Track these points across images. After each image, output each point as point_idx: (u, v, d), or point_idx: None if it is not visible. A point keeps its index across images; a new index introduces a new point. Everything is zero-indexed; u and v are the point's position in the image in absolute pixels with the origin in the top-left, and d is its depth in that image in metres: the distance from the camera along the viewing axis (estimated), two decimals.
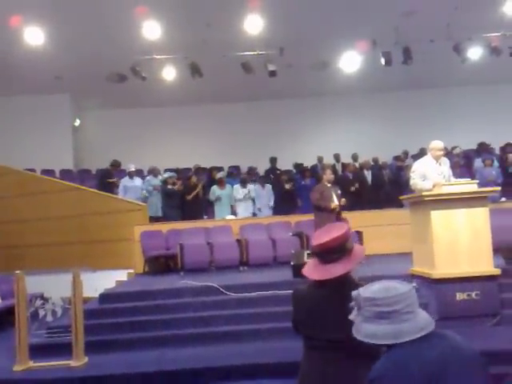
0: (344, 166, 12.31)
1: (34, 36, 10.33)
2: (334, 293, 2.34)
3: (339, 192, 7.68)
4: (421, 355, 1.71)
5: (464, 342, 1.78)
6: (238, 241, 8.69)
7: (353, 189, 10.78)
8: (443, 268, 5.40)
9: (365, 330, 1.80)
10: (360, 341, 1.84)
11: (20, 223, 10.17)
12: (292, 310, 2.51)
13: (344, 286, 2.35)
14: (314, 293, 2.41)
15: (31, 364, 5.24)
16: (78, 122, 14.86)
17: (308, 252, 6.84)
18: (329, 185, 7.71)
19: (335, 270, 2.32)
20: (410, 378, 1.66)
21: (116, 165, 11.61)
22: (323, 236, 2.40)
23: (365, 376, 1.77)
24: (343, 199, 7.58)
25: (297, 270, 6.67)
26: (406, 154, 13.04)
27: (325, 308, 2.34)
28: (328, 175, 7.81)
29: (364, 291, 1.82)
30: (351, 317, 1.87)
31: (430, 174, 6.10)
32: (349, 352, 2.21)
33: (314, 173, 11.85)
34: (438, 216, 5.61)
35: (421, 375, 1.66)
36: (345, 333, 2.23)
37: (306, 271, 2.45)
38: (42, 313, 7.13)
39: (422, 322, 1.75)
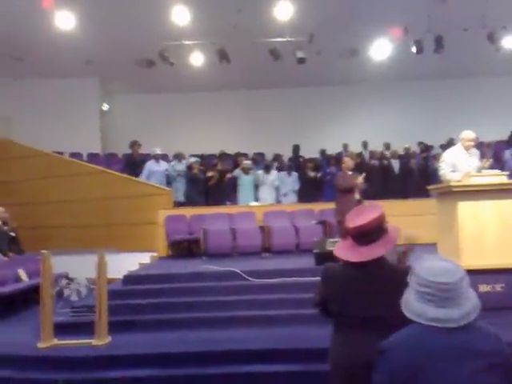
0: (371, 153, 12.16)
1: (65, 20, 10.40)
2: (372, 274, 2.36)
3: (362, 177, 7.60)
4: (425, 343, 1.73)
5: (490, 340, 1.76)
6: (261, 227, 8.70)
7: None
8: (469, 259, 5.29)
9: (404, 298, 1.84)
10: (395, 320, 1.88)
11: (47, 205, 10.35)
12: (320, 288, 2.50)
13: (381, 267, 2.39)
14: (351, 273, 2.41)
15: (55, 341, 5.32)
16: (106, 107, 15.00)
17: (331, 240, 6.79)
18: (350, 172, 7.66)
19: (376, 251, 2.35)
20: (404, 360, 1.72)
21: (135, 145, 11.42)
22: (359, 218, 2.41)
23: None
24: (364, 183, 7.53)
25: (319, 257, 6.65)
26: (421, 143, 12.79)
27: (362, 288, 2.35)
28: (347, 163, 7.76)
29: (423, 270, 1.80)
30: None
31: (459, 164, 5.98)
32: (383, 330, 2.21)
33: (338, 160, 11.75)
34: (465, 207, 5.50)
35: (412, 362, 1.71)
36: (381, 312, 2.25)
37: (340, 253, 2.46)
38: (66, 292, 7.30)
39: (457, 313, 1.73)
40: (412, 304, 1.80)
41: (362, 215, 2.41)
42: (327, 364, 2.48)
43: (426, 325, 1.74)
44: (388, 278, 2.35)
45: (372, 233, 2.36)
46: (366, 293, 2.33)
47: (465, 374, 1.68)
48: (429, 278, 1.76)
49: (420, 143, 12.83)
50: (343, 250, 2.45)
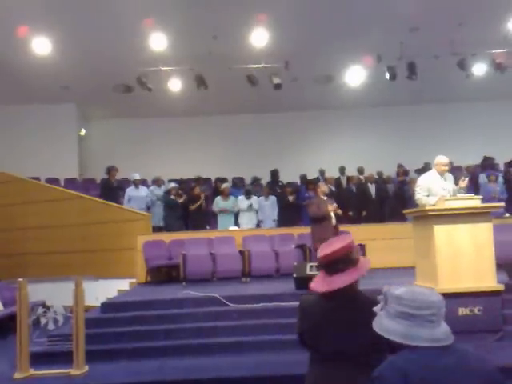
0: (348, 179, 12.32)
1: (42, 46, 10.43)
2: (343, 305, 2.34)
3: (335, 205, 7.72)
4: (424, 365, 1.72)
5: (479, 359, 1.77)
6: (241, 252, 8.69)
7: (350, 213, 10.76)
8: (446, 283, 5.37)
9: (383, 325, 1.83)
10: (368, 352, 1.86)
11: (23, 231, 10.20)
12: (298, 320, 2.50)
13: (352, 298, 2.38)
14: (323, 304, 2.40)
15: (32, 372, 5.23)
16: (83, 132, 14.95)
17: (311, 264, 6.84)
18: (324, 197, 7.76)
19: (341, 281, 2.33)
20: None
21: (112, 170, 11.23)
22: (328, 248, 2.41)
23: None
24: (339, 210, 7.65)
25: (299, 282, 6.68)
26: (401, 167, 13.04)
27: (333, 320, 2.33)
28: (322, 187, 7.90)
29: (394, 289, 1.84)
30: (376, 309, 1.89)
31: (434, 188, 6.11)
32: (356, 363, 2.23)
33: (316, 185, 11.87)
34: (441, 231, 5.59)
35: None
36: (353, 345, 2.25)
37: (313, 285, 2.44)
38: (43, 321, 7.13)
39: (440, 333, 1.75)
40: (381, 320, 1.82)
41: (331, 245, 2.41)
42: None
43: (417, 348, 1.74)
44: (360, 310, 2.30)
45: (337, 262, 2.35)
46: (337, 326, 2.31)
47: None
48: (424, 299, 1.78)
49: (400, 166, 13.04)
50: (316, 281, 2.44)
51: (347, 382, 2.23)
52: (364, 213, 10.80)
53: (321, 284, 2.39)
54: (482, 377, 1.73)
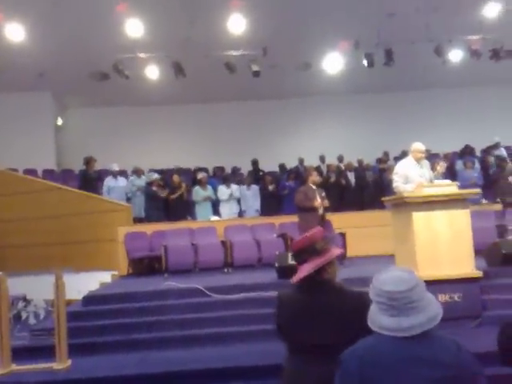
0: (328, 167, 12.38)
1: (15, 32, 10.20)
2: (317, 298, 2.39)
3: (323, 194, 7.76)
4: (379, 352, 1.77)
5: (447, 351, 1.77)
6: (223, 242, 8.69)
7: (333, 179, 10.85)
8: (425, 270, 5.44)
9: (373, 318, 1.85)
10: (344, 343, 1.94)
11: (1, 223, 10.04)
12: (274, 315, 2.55)
13: (327, 290, 2.42)
14: (297, 297, 2.46)
15: (13, 367, 5.18)
16: (60, 121, 14.72)
17: (292, 254, 6.87)
18: (314, 187, 7.78)
19: (304, 270, 2.41)
20: (356, 371, 1.76)
21: (89, 162, 11.05)
22: (297, 239, 2.53)
23: None
24: (326, 201, 7.67)
25: (281, 271, 6.71)
26: (386, 154, 13.15)
27: (307, 312, 2.38)
28: (314, 177, 7.90)
29: (377, 280, 1.86)
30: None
31: (411, 175, 6.17)
32: (332, 356, 2.25)
33: (297, 174, 11.92)
34: (419, 218, 5.65)
35: (363, 372, 1.75)
36: (328, 337, 2.29)
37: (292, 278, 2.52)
38: (24, 315, 7.12)
39: (407, 323, 1.75)
40: (373, 315, 1.84)
41: (301, 236, 2.52)
42: None
43: (383, 335, 1.78)
44: (336, 303, 2.37)
45: (302, 253, 2.44)
46: (311, 319, 2.35)
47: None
48: (380, 287, 1.81)
49: (385, 153, 13.11)
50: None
51: (322, 374, 2.26)
52: (342, 203, 10.85)
53: (294, 276, 2.48)
54: (444, 369, 1.72)
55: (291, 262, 6.62)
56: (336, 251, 2.48)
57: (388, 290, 1.78)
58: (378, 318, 1.79)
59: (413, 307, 1.76)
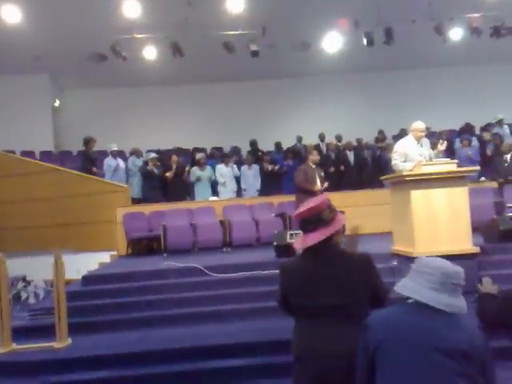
0: (327, 145, 12.34)
1: (11, 14, 10.12)
2: (323, 262, 2.43)
3: (322, 174, 7.74)
4: (399, 318, 1.90)
5: (466, 330, 1.88)
6: (221, 222, 8.71)
7: (332, 169, 10.87)
8: (423, 247, 5.46)
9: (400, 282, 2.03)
10: (353, 305, 2.16)
11: (0, 205, 10.05)
12: (279, 285, 2.56)
13: (332, 256, 2.46)
14: (302, 264, 2.49)
15: (14, 346, 5.22)
16: (57, 103, 14.65)
17: (291, 232, 6.89)
18: (313, 166, 7.75)
19: (311, 239, 2.43)
20: (373, 336, 1.92)
21: (89, 142, 10.84)
22: (301, 208, 2.52)
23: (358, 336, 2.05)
24: (326, 183, 7.66)
25: (280, 250, 6.73)
26: (382, 133, 13.06)
27: (314, 276, 2.41)
28: (314, 156, 7.86)
29: (429, 258, 2.04)
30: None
31: (411, 154, 6.16)
32: (341, 317, 2.32)
33: (295, 152, 11.88)
34: (417, 196, 5.67)
35: (381, 337, 1.89)
36: (335, 299, 2.32)
37: (295, 244, 2.59)
38: (24, 295, 7.16)
39: (446, 300, 1.89)
40: (408, 284, 1.98)
41: (306, 205, 2.52)
42: (292, 355, 2.53)
43: (407, 306, 1.92)
44: (341, 265, 2.41)
45: (308, 222, 2.46)
46: (320, 282, 2.39)
47: (422, 353, 1.80)
48: (437, 264, 1.97)
49: (380, 132, 13.04)
50: (296, 241, 2.57)
51: (334, 334, 2.32)
52: (341, 182, 10.83)
53: (298, 242, 2.52)
54: (449, 344, 1.81)
55: (289, 240, 6.64)
56: (342, 220, 2.51)
57: (445, 267, 1.94)
58: (420, 288, 1.91)
59: (457, 290, 1.93)
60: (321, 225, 2.43)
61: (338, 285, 2.36)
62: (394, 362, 1.82)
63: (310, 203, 2.50)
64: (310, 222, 2.45)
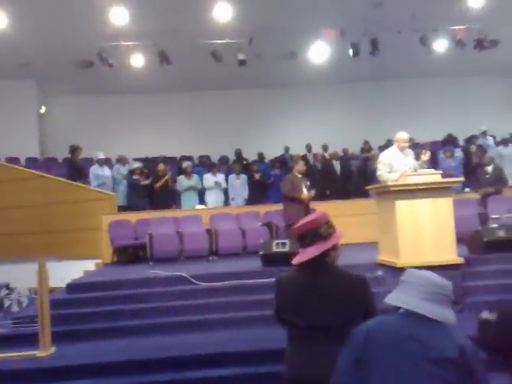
0: (314, 156, 12.41)
1: None
2: (318, 279, 2.42)
3: (308, 183, 7.79)
4: (386, 329, 1.91)
5: (453, 338, 1.89)
6: (208, 230, 8.69)
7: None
8: (407, 257, 5.51)
9: (399, 297, 2.01)
10: (346, 324, 2.12)
11: None
12: (274, 297, 2.56)
13: (327, 273, 2.45)
14: (299, 279, 2.49)
15: None
16: (43, 109, 14.56)
17: (277, 242, 6.90)
18: (299, 176, 7.80)
19: (307, 253, 2.43)
20: (361, 344, 1.91)
21: (75, 150, 10.83)
22: (301, 222, 2.53)
23: None
24: (312, 191, 7.71)
25: (266, 259, 6.74)
26: (367, 143, 13.14)
27: (308, 294, 2.40)
28: (300, 166, 7.92)
29: (421, 271, 2.04)
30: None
31: (396, 165, 6.22)
32: (332, 337, 2.31)
33: (283, 162, 11.93)
34: (402, 206, 5.72)
35: (367, 346, 1.89)
36: (328, 319, 2.33)
37: (293, 259, 2.56)
38: (7, 303, 7.06)
39: (424, 305, 1.91)
40: (398, 295, 1.98)
41: (304, 219, 2.53)
42: (279, 365, 2.54)
43: (394, 315, 1.93)
44: (337, 284, 2.41)
45: (305, 236, 2.46)
46: (312, 301, 2.38)
47: (413, 362, 1.82)
48: (429, 276, 1.98)
49: (365, 142, 13.11)
50: (296, 256, 2.55)
51: (324, 353, 2.31)
52: (328, 192, 10.89)
53: (296, 257, 2.51)
54: (437, 352, 1.83)
55: (276, 249, 6.66)
56: (340, 236, 2.51)
57: (435, 279, 1.97)
58: (411, 299, 1.93)
59: (447, 301, 1.95)
60: (318, 239, 2.43)
61: (330, 304, 2.35)
62: (385, 371, 1.84)
63: (308, 218, 2.51)
64: (307, 237, 2.46)
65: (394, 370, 1.83)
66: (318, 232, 2.44)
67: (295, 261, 2.49)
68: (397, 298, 1.97)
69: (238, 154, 12.89)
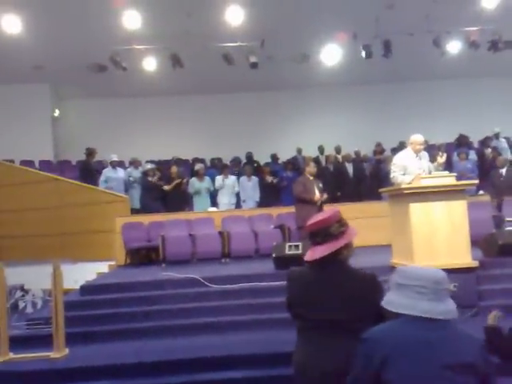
0: (327, 158, 12.37)
1: (12, 24, 10.19)
2: (329, 276, 2.43)
3: (321, 185, 7.77)
4: (400, 334, 1.85)
5: (467, 342, 1.87)
6: (220, 233, 8.70)
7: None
8: (422, 260, 5.45)
9: (386, 297, 1.98)
10: (354, 321, 2.12)
11: None
12: (286, 290, 2.56)
13: (339, 270, 2.46)
14: (309, 275, 2.50)
15: (11, 356, 5.19)
16: (57, 113, 14.70)
17: (290, 244, 6.88)
18: (311, 178, 7.78)
19: (319, 252, 2.42)
20: (379, 350, 1.83)
21: (91, 153, 11.19)
22: (312, 220, 2.52)
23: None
24: (325, 194, 7.68)
25: (278, 261, 6.72)
26: (379, 145, 13.05)
27: (318, 289, 2.41)
28: (311, 168, 7.90)
29: (412, 268, 2.00)
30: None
31: (410, 167, 6.17)
32: (342, 331, 2.32)
33: (295, 164, 11.91)
34: (416, 209, 5.66)
35: (382, 352, 1.82)
36: (338, 314, 2.33)
37: (305, 256, 2.56)
38: (21, 304, 7.13)
39: (442, 308, 1.87)
40: (399, 300, 1.92)
41: (315, 218, 2.52)
42: (291, 368, 2.53)
43: (406, 320, 1.87)
44: (348, 282, 2.41)
45: (316, 235, 2.45)
46: (321, 296, 2.39)
47: (432, 368, 1.77)
48: (423, 273, 1.92)
49: (378, 144, 13.04)
50: (308, 252, 2.55)
51: (329, 347, 2.33)
52: (339, 193, 10.86)
53: (308, 254, 2.50)
54: (454, 358, 1.80)
55: (288, 252, 6.64)
56: (353, 234, 2.49)
57: (434, 275, 1.91)
58: (413, 303, 1.88)
59: (446, 294, 1.92)
60: (329, 238, 2.43)
61: (339, 299, 2.36)
62: (405, 377, 1.81)
63: (319, 216, 2.51)
64: (318, 235, 2.45)
65: (416, 377, 1.78)
66: (329, 231, 2.43)
67: (307, 257, 2.49)
68: (399, 303, 1.92)
69: (249, 156, 12.90)
